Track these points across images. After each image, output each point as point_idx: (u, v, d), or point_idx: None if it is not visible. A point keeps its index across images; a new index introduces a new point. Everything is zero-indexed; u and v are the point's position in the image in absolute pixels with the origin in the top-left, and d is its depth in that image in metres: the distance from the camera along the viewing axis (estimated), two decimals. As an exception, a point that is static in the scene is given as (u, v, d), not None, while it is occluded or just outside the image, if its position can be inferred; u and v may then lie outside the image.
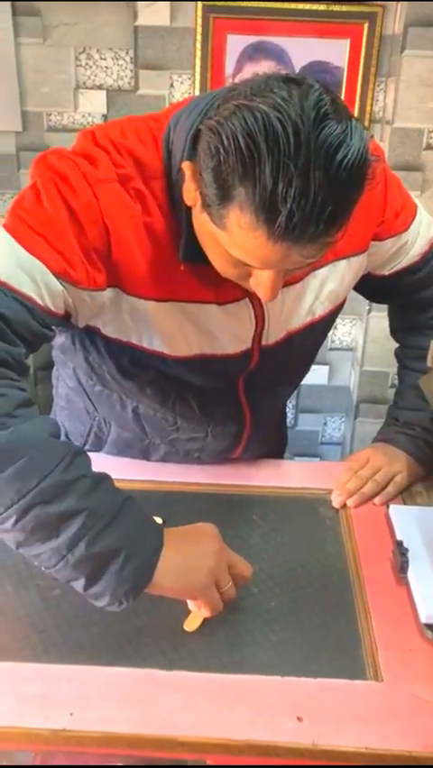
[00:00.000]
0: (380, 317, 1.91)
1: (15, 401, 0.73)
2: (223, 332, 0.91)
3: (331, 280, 0.94)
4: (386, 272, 1.03)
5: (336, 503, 1.03)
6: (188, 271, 0.84)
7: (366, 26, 1.78)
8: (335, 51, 1.80)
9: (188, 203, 0.76)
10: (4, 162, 1.98)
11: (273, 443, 1.18)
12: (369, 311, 1.96)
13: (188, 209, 0.79)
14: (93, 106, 1.91)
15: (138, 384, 0.98)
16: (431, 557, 0.89)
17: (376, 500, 1.04)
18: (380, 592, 0.86)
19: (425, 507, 1.00)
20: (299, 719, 0.69)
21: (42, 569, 0.73)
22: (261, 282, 0.75)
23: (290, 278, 0.84)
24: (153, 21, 1.80)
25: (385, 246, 0.98)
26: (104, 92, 1.90)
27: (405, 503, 1.03)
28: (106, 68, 1.87)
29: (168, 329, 0.89)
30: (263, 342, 0.93)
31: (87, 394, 1.07)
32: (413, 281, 1.05)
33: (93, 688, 0.72)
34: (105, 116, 1.93)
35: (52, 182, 0.79)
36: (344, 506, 1.03)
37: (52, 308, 0.79)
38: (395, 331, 1.18)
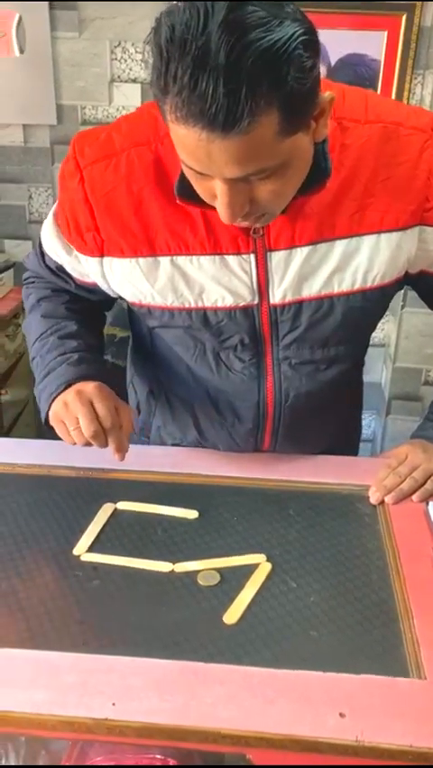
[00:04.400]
0: (413, 313, 1.90)
1: (37, 297, 1.10)
2: (218, 285, 0.93)
3: (358, 255, 0.92)
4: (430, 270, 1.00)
5: (373, 499, 1.02)
6: (185, 224, 0.90)
7: (404, 18, 1.76)
8: (371, 44, 1.78)
9: None
10: (38, 156, 2.00)
11: (316, 442, 1.15)
12: (402, 307, 1.94)
13: None
14: (127, 100, 1.92)
15: (169, 341, 1.03)
16: (473, 555, 0.88)
17: (414, 497, 1.02)
18: (420, 591, 0.85)
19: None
20: (342, 715, 0.69)
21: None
22: (217, 194, 0.77)
23: (297, 238, 0.90)
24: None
25: None
26: (138, 85, 1.91)
27: (444, 501, 1.02)
28: (141, 61, 1.88)
29: (162, 283, 0.94)
30: (271, 300, 0.94)
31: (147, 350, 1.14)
32: None
33: (133, 679, 0.72)
34: (139, 110, 1.92)
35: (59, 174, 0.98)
36: (382, 502, 1.02)
37: (77, 276, 1.04)
38: None
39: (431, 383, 2.08)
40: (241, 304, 0.94)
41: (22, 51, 1.84)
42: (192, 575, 0.88)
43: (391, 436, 2.11)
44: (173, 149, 0.81)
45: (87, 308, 1.10)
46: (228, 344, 0.98)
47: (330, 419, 1.13)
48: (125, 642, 0.78)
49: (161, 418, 1.15)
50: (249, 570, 0.88)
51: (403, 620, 0.81)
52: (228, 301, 0.94)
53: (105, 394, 0.96)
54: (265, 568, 0.89)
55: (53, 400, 0.98)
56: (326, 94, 0.75)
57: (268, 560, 0.90)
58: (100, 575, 0.87)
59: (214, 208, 0.82)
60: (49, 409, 0.98)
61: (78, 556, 0.90)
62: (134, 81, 1.88)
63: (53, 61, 1.86)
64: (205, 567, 0.89)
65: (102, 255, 0.96)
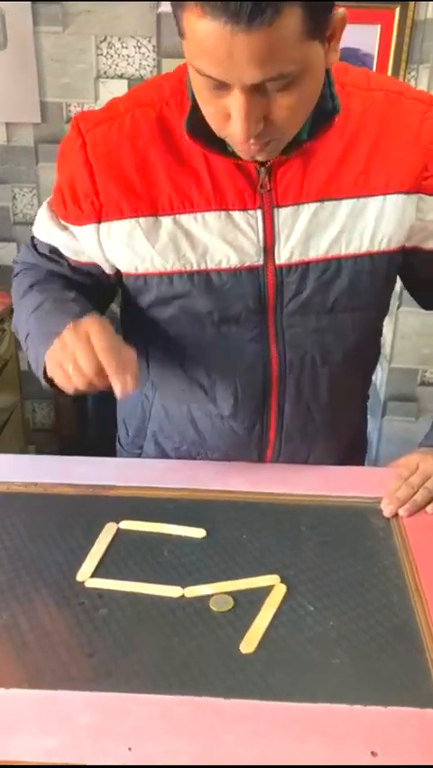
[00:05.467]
0: (409, 312, 1.87)
1: (29, 282, 1.01)
2: (223, 242, 0.90)
3: (365, 216, 0.91)
4: None
5: (386, 512, 0.99)
6: (190, 180, 0.88)
7: (398, 11, 1.73)
8: (365, 38, 1.75)
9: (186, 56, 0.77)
10: (22, 155, 1.94)
11: (323, 449, 1.12)
12: (398, 306, 1.91)
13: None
14: (114, 96, 1.86)
15: (164, 324, 0.98)
16: None
17: (429, 509, 0.99)
18: (443, 610, 0.81)
19: None
20: (374, 754, 0.65)
21: None
22: (234, 109, 0.74)
23: (305, 194, 0.89)
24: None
25: None
26: (125, 81, 1.85)
27: (459, 512, 0.99)
28: (128, 56, 1.83)
29: (164, 243, 0.91)
30: (276, 261, 0.91)
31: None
32: None
33: (151, 719, 0.68)
34: (126, 107, 1.87)
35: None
36: (395, 515, 0.98)
37: (71, 256, 0.99)
38: None
39: (427, 383, 2.05)
40: (246, 263, 0.92)
41: (3, 47, 1.78)
42: (204, 600, 0.83)
43: (388, 438, 2.08)
44: (180, 108, 0.86)
45: (84, 295, 1.03)
46: (231, 313, 0.95)
47: (333, 406, 1.07)
48: (138, 676, 0.74)
49: (157, 422, 1.10)
50: (263, 593, 0.84)
51: (428, 644, 0.77)
52: (233, 261, 0.91)
53: (104, 326, 0.85)
54: (280, 590, 0.85)
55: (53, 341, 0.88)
56: (339, 10, 0.75)
57: (282, 581, 0.86)
58: (107, 603, 0.83)
59: (222, 150, 0.84)
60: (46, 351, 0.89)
61: (83, 582, 0.86)
62: (121, 77, 1.83)
63: (36, 57, 1.80)
64: (217, 591, 0.84)
65: (99, 221, 0.92)
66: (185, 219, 0.90)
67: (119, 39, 1.79)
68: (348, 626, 0.80)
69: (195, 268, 0.92)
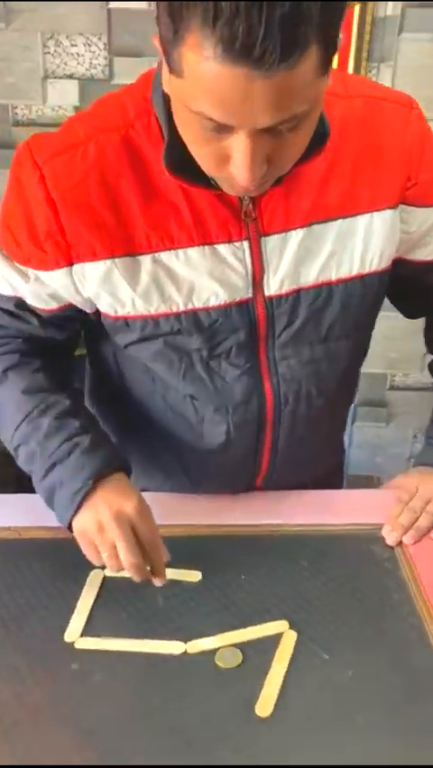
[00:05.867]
0: (379, 317, 1.83)
1: (2, 366, 0.91)
2: (210, 279, 0.82)
3: (354, 237, 0.85)
4: (426, 258, 0.93)
5: (390, 540, 0.93)
6: (168, 214, 0.80)
7: (357, 8, 1.67)
8: (324, 36, 1.69)
9: (165, 86, 0.70)
10: (-34, 161, 1.81)
11: (312, 470, 1.06)
12: (366, 310, 1.87)
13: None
14: (64, 98, 1.76)
15: (145, 359, 0.91)
16: None
17: (433, 535, 0.94)
18: (465, 650, 0.76)
19: None
20: None
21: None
22: (238, 151, 0.66)
23: (291, 219, 0.82)
24: (129, 3, 1.65)
25: (420, 215, 0.88)
26: (75, 82, 1.75)
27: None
28: (77, 55, 1.72)
29: (146, 285, 0.83)
30: (266, 292, 0.84)
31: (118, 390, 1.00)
32: None
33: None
34: (77, 108, 1.77)
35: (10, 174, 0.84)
36: (399, 543, 0.93)
37: (42, 307, 0.88)
38: (427, 336, 1.08)
39: (396, 388, 2.02)
40: (237, 299, 0.84)
41: None
42: (209, 655, 0.76)
43: (358, 443, 2.04)
44: (147, 131, 0.78)
45: (60, 363, 0.96)
46: (221, 350, 0.87)
47: (325, 432, 1.03)
48: (146, 752, 0.66)
49: (139, 463, 1.01)
50: (272, 642, 0.78)
51: (456, 691, 0.72)
52: (222, 297, 0.84)
53: (147, 514, 0.83)
54: (290, 638, 0.78)
55: (81, 503, 0.82)
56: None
57: (291, 626, 0.79)
58: (101, 666, 0.75)
59: (207, 185, 0.76)
60: (75, 513, 0.82)
61: (72, 644, 0.77)
62: (71, 77, 1.73)
63: (-23, 56, 1.69)
64: (222, 643, 0.77)
65: (70, 263, 0.82)
66: (165, 257, 0.82)
67: (67, 36, 1.68)
68: (368, 673, 0.74)
69: (181, 308, 0.84)
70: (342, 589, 0.85)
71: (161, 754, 0.66)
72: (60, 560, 0.88)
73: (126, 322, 0.85)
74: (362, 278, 0.87)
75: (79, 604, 0.82)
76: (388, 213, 0.86)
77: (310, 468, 1.04)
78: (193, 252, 0.82)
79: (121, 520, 0.79)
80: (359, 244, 0.86)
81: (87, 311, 0.88)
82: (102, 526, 0.80)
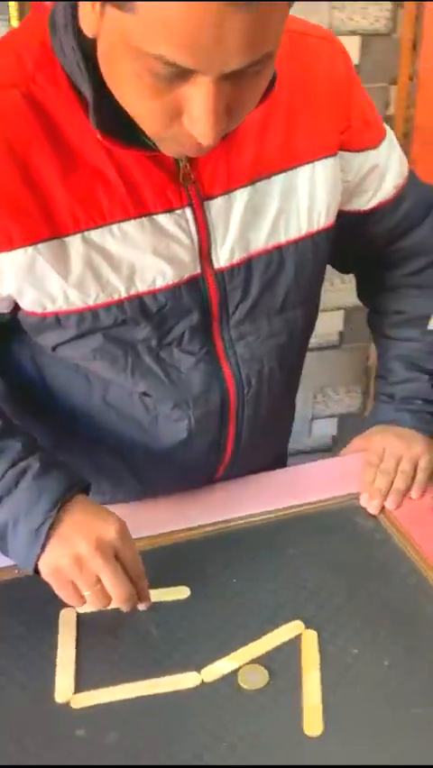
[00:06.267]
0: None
1: None
2: (154, 256, 0.71)
3: (297, 191, 0.77)
4: (363, 207, 0.87)
5: (372, 509, 0.87)
6: (95, 184, 0.67)
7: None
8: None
9: (85, 29, 0.59)
10: None
11: (272, 449, 0.98)
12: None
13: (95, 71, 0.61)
14: None
15: (81, 359, 0.78)
16: None
17: (414, 494, 0.89)
18: None
19: None
20: None
21: None
22: (198, 103, 0.55)
23: (234, 178, 0.72)
24: None
25: (356, 162, 0.82)
26: None
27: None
28: None
29: (79, 273, 0.69)
30: (215, 265, 0.74)
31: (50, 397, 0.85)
32: (388, 228, 0.90)
33: None
34: None
35: None
36: (382, 509, 0.87)
37: None
38: (367, 295, 1.03)
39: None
40: (185, 276, 0.74)
41: None
42: (230, 680, 0.66)
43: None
44: (54, 85, 0.64)
45: None
46: (171, 337, 0.76)
47: (285, 410, 0.96)
48: None
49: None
50: (293, 648, 0.69)
51: None
52: (169, 276, 0.72)
53: (129, 537, 0.71)
54: (311, 639, 0.70)
55: (47, 538, 0.68)
56: None
57: (306, 625, 0.71)
58: (111, 723, 0.62)
59: (142, 145, 0.64)
60: (41, 552, 0.68)
61: (67, 704, 0.64)
62: None
63: None
64: (240, 663, 0.67)
65: None
66: (98, 236, 0.69)
67: None
68: (405, 660, 0.68)
69: (123, 295, 0.71)
70: (340, 573, 0.78)
71: None
72: (20, 606, 0.74)
73: (58, 319, 0.72)
74: (312, 238, 0.80)
75: (60, 654, 0.69)
76: (329, 161, 0.79)
77: (271, 451, 0.97)
78: (129, 227, 0.69)
79: (103, 550, 0.67)
80: (304, 199, 0.78)
81: (3, 311, 0.74)
82: (81, 560, 0.67)
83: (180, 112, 0.57)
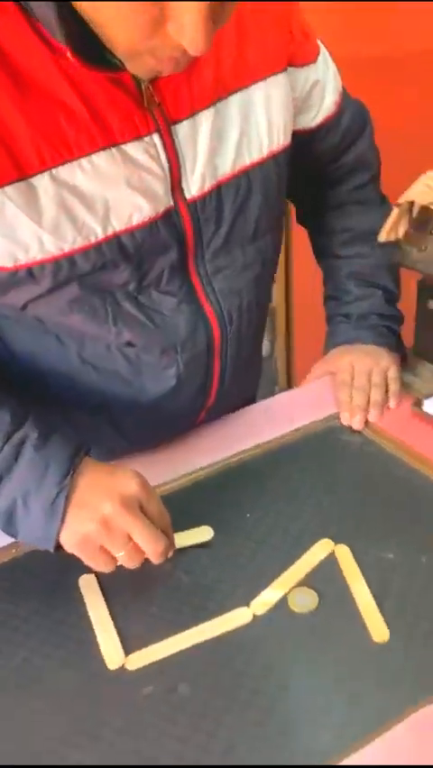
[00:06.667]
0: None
1: None
2: (128, 190, 0.66)
3: (255, 110, 0.74)
4: (309, 125, 0.86)
5: (356, 425, 0.87)
6: (58, 116, 0.61)
7: None
8: None
9: None
10: None
11: (247, 389, 0.96)
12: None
13: None
14: None
15: (56, 314, 0.71)
16: None
17: (391, 404, 0.91)
18: None
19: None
20: None
21: None
22: (189, 8, 0.50)
23: (196, 100, 0.68)
24: None
25: (301, 77, 0.81)
26: None
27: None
28: None
29: (53, 215, 0.63)
30: (187, 196, 0.71)
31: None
32: (333, 144, 0.90)
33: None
34: None
35: None
36: (365, 424, 0.88)
37: None
38: (311, 214, 1.01)
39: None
40: (161, 210, 0.69)
41: None
42: (281, 607, 0.64)
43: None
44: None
45: None
46: (150, 278, 0.72)
47: (260, 345, 0.94)
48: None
49: None
50: (331, 565, 0.68)
51: None
52: (146, 212, 0.68)
53: (150, 487, 0.66)
54: (345, 552, 0.69)
55: (65, 511, 0.62)
56: None
57: (335, 541, 0.70)
58: (176, 675, 0.59)
59: (110, 67, 0.59)
60: (62, 525, 0.62)
61: (122, 669, 0.60)
62: None
63: None
64: (285, 589, 0.66)
65: None
66: (67, 172, 0.62)
67: None
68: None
69: (100, 237, 0.66)
70: (348, 488, 0.78)
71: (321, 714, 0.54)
72: (27, 582, 0.68)
73: (31, 271, 0.65)
74: (274, 158, 0.77)
75: (96, 621, 0.64)
76: (280, 78, 0.76)
77: (247, 391, 0.95)
78: (100, 160, 0.64)
79: (129, 505, 0.62)
80: (262, 118, 0.75)
81: None
82: (107, 521, 0.62)
83: (164, 20, 0.52)
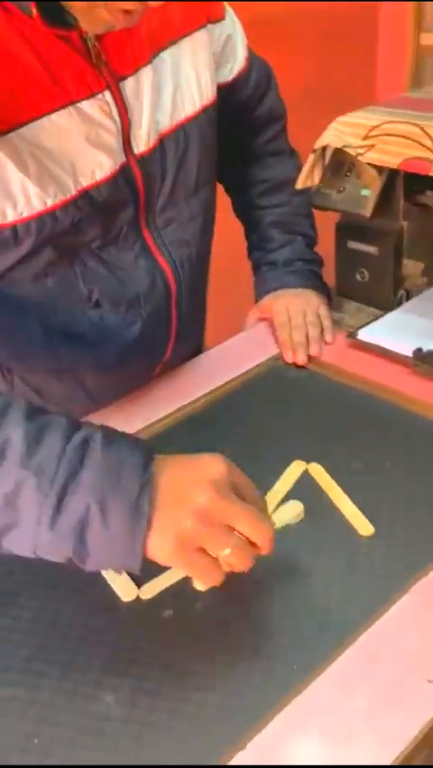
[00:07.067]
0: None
1: None
2: (89, 146, 0.70)
3: (185, 64, 0.79)
4: (226, 78, 0.90)
5: (300, 359, 0.93)
6: (17, 74, 0.63)
7: None
8: None
9: None
10: None
11: (197, 338, 1.00)
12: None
13: None
14: None
15: (31, 278, 0.72)
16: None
17: (328, 338, 0.97)
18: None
19: (382, 318, 0.97)
20: None
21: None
22: None
23: (138, 56, 0.72)
24: None
25: (216, 32, 0.85)
26: None
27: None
28: None
29: (36, 167, 0.66)
30: (135, 151, 0.74)
31: None
32: (247, 97, 0.95)
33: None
34: None
35: None
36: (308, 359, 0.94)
37: None
38: (230, 169, 1.05)
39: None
40: (118, 165, 0.72)
41: None
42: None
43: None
44: None
45: None
46: (112, 234, 0.75)
47: (205, 293, 0.98)
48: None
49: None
50: (308, 482, 0.73)
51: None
52: (107, 167, 0.71)
53: (233, 464, 0.55)
54: (318, 469, 0.75)
55: (151, 513, 0.51)
56: None
57: (306, 461, 0.76)
58: (192, 596, 0.62)
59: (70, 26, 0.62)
60: (147, 536, 0.50)
61: (137, 600, 0.62)
62: None
63: None
64: (271, 506, 0.70)
65: None
66: (34, 130, 0.64)
67: None
68: (399, 455, 0.76)
69: (73, 192, 0.68)
70: (305, 417, 0.84)
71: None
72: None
73: (15, 231, 0.67)
74: (205, 111, 0.82)
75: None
76: (203, 33, 0.80)
77: (197, 341, 1.00)
78: (60, 118, 0.66)
79: (226, 492, 0.52)
80: (192, 73, 0.79)
81: None
82: (204, 513, 0.50)
83: None
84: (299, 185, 0.98)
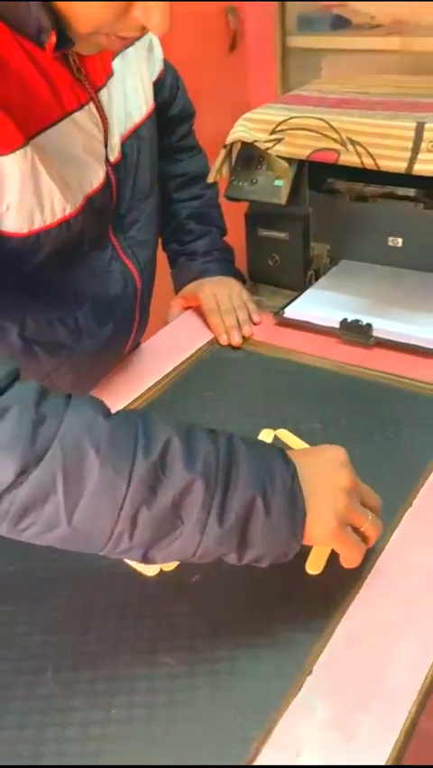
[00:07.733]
0: None
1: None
2: (86, 155, 0.74)
3: (130, 71, 0.83)
4: (152, 79, 0.93)
5: (234, 341, 1.00)
6: (23, 84, 0.65)
7: None
8: None
9: None
10: None
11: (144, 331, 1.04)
12: None
13: None
14: None
15: (34, 285, 0.76)
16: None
17: (255, 319, 1.05)
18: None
19: (301, 297, 1.07)
20: None
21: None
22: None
23: (106, 68, 0.76)
24: None
25: (145, 37, 0.88)
26: None
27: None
28: None
29: (59, 176, 0.70)
30: (111, 158, 0.80)
31: None
32: (165, 98, 1.00)
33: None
34: None
35: None
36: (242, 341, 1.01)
37: None
38: None
39: None
40: (105, 172, 0.78)
41: None
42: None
43: None
44: None
45: None
46: (98, 236, 0.80)
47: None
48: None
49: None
50: (280, 446, 0.80)
51: None
52: (101, 174, 0.76)
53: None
54: (285, 433, 0.82)
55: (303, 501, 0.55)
56: None
57: (271, 429, 0.83)
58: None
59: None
60: (303, 522, 0.55)
61: (161, 573, 0.66)
62: None
63: None
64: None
65: None
66: (42, 139, 0.67)
67: None
68: (355, 416, 0.85)
69: (81, 200, 0.73)
70: (255, 391, 0.91)
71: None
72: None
73: (38, 237, 0.70)
74: (150, 116, 0.87)
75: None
76: (141, 41, 0.85)
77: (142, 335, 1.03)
78: (63, 128, 0.70)
79: (354, 474, 0.60)
80: (138, 80, 0.84)
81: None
82: (350, 493, 0.58)
83: (127, 7, 0.58)
84: (211, 179, 1.04)
